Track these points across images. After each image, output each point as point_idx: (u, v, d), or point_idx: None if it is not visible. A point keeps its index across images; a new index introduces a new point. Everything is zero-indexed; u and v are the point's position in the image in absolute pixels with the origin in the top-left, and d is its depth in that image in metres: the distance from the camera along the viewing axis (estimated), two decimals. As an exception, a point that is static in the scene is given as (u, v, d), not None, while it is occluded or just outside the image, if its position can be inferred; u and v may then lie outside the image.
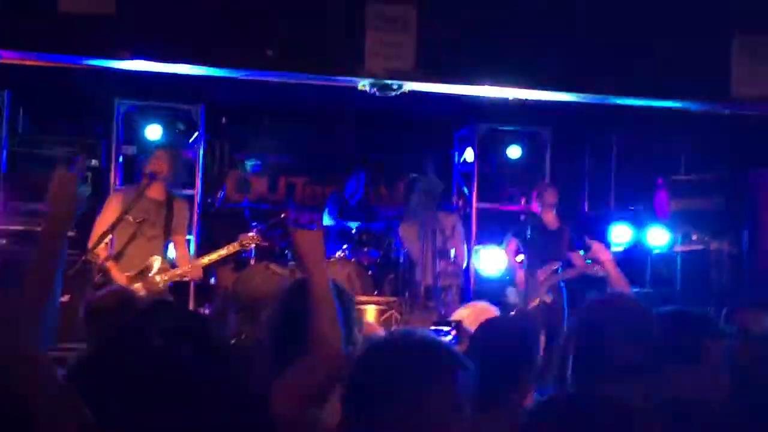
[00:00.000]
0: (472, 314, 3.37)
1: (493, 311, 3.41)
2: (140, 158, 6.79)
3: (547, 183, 6.99)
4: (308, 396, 2.21)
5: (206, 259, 5.33)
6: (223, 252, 5.33)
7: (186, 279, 5.54)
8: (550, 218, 6.60)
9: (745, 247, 6.94)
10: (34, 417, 1.70)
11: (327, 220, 7.65)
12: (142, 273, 5.18)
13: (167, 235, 5.32)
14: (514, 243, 6.72)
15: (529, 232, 6.56)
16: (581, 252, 6.54)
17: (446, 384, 1.72)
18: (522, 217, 7.10)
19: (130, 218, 5.17)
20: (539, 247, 6.49)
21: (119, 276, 5.12)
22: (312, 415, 2.21)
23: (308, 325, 2.26)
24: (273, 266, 3.44)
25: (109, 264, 5.12)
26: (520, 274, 6.48)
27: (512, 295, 6.57)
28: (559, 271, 6.48)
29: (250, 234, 5.45)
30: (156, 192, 5.32)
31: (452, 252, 6.91)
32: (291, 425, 2.08)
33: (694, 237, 6.08)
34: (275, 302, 2.58)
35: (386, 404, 1.68)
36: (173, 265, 5.38)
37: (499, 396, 2.57)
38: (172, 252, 5.49)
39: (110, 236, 5.20)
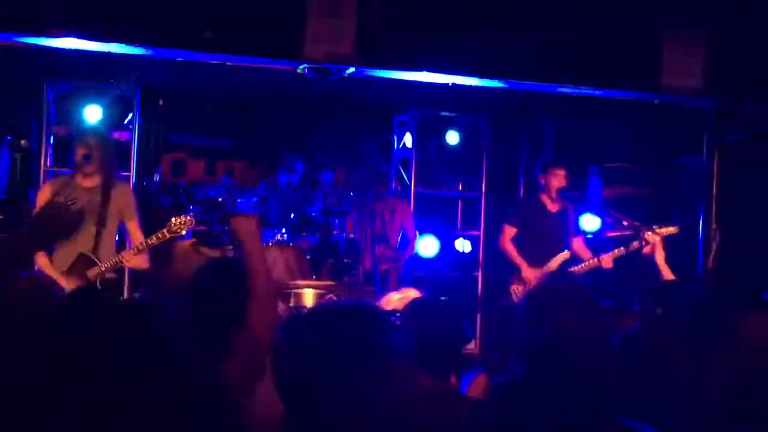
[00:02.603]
0: (402, 301, 3.41)
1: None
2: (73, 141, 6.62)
3: (554, 161, 6.36)
4: (250, 370, 2.25)
5: (135, 249, 5.05)
6: (152, 240, 5.06)
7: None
8: (551, 199, 6.19)
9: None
10: None
11: (263, 206, 7.61)
12: (75, 268, 5.01)
13: (103, 223, 5.09)
14: (510, 231, 6.25)
15: (526, 216, 6.20)
16: (588, 234, 6.22)
17: (375, 336, 1.73)
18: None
19: None
20: (539, 233, 6.13)
21: (43, 261, 4.97)
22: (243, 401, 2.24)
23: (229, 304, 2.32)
24: (202, 248, 3.41)
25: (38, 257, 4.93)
26: (528, 273, 6.02)
27: (518, 294, 6.03)
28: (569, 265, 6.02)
29: (180, 218, 5.13)
30: (88, 180, 5.13)
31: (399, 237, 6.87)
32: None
33: (625, 223, 6.24)
34: (192, 280, 2.62)
35: (317, 364, 1.67)
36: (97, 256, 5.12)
37: (434, 375, 2.62)
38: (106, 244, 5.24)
39: None
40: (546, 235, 6.12)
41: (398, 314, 2.97)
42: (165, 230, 5.06)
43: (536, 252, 6.07)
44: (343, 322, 1.79)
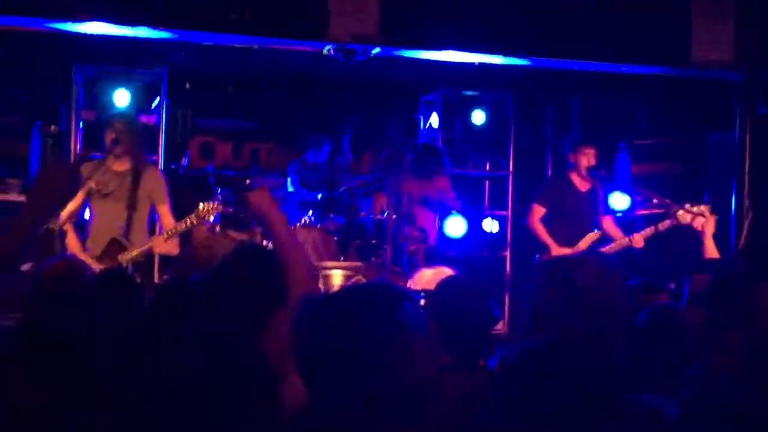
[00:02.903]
0: (435, 278, 3.42)
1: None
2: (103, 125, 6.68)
3: (583, 139, 6.34)
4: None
5: (165, 235, 5.08)
6: (181, 226, 5.08)
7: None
8: (581, 178, 6.11)
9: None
10: None
11: (290, 188, 7.64)
12: (107, 253, 5.05)
13: (134, 207, 5.11)
14: (540, 211, 6.17)
15: (555, 195, 6.13)
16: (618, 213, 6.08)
17: (394, 316, 1.74)
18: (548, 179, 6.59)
19: (94, 192, 5.04)
20: (569, 212, 6.06)
21: (74, 245, 5.03)
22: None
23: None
24: (231, 232, 3.42)
25: (67, 228, 4.99)
26: (557, 252, 5.90)
27: None
28: (600, 245, 5.93)
29: (208, 204, 5.14)
30: (118, 164, 5.15)
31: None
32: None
33: (655, 201, 6.17)
34: (221, 265, 2.60)
35: (334, 344, 1.67)
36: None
37: (462, 355, 2.63)
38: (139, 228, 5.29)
39: (78, 210, 5.08)
40: (576, 214, 6.06)
41: (422, 293, 2.98)
42: (193, 216, 5.09)
43: (566, 231, 6.00)
44: (359, 301, 1.80)
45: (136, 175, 5.16)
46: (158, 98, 7.09)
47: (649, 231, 5.84)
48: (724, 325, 1.97)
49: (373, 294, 1.85)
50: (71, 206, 4.93)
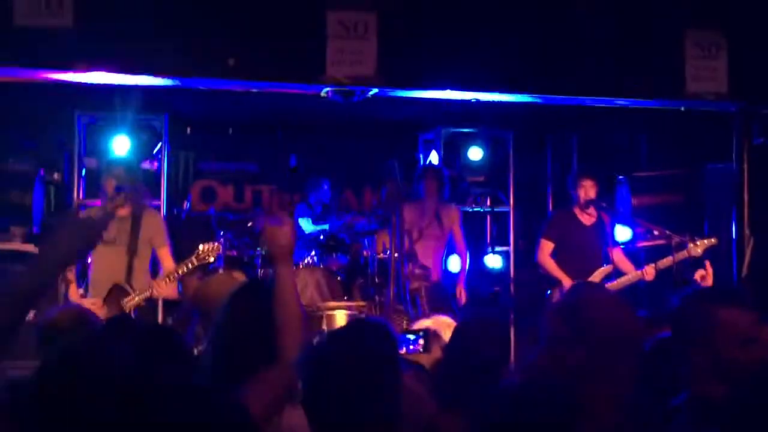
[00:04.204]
0: (434, 326, 3.40)
1: (453, 324, 3.44)
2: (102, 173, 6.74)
3: (582, 173, 6.32)
4: (278, 402, 2.23)
5: (165, 278, 5.12)
6: (181, 269, 5.11)
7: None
8: (584, 212, 6.11)
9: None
10: None
11: (307, 228, 7.65)
12: (110, 298, 5.08)
13: (135, 252, 5.16)
14: (548, 246, 6.12)
15: (562, 230, 6.09)
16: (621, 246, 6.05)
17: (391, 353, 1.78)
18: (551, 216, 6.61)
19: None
20: (577, 247, 6.03)
21: (75, 292, 5.09)
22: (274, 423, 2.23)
23: (263, 326, 2.31)
24: (236, 273, 3.42)
25: (70, 277, 5.04)
26: (568, 283, 5.80)
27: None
28: (611, 279, 5.92)
29: (208, 245, 5.21)
30: (119, 210, 5.18)
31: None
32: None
33: (656, 233, 6.18)
34: (225, 303, 2.59)
35: (341, 387, 1.72)
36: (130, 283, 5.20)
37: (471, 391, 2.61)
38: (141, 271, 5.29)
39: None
40: (584, 248, 6.06)
41: (421, 333, 2.98)
42: (193, 257, 5.13)
43: (577, 266, 5.98)
44: (353, 337, 1.84)
45: (136, 220, 5.20)
46: (160, 144, 7.15)
47: (663, 263, 5.84)
48: (687, 348, 1.95)
49: (365, 328, 1.91)
50: None
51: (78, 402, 1.64)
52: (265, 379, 2.24)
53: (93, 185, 6.98)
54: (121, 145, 6.82)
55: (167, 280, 5.09)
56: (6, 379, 1.93)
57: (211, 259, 5.25)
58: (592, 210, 6.12)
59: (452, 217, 6.86)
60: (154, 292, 5.11)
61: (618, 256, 6.21)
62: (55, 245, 1.98)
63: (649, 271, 5.88)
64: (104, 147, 6.90)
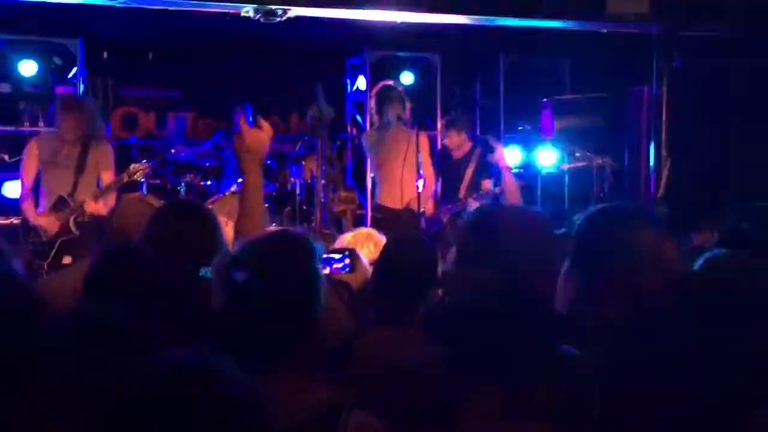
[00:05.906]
0: (355, 240, 3.40)
1: (377, 236, 3.46)
2: (15, 97, 6.54)
3: (445, 122, 6.57)
4: None
5: (97, 192, 5.37)
6: (111, 185, 5.40)
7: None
8: (456, 145, 6.34)
9: (627, 162, 7.23)
10: None
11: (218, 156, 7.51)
12: (54, 209, 5.37)
13: (81, 173, 5.39)
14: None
15: (438, 163, 6.33)
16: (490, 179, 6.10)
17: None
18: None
19: (47, 159, 5.39)
20: (447, 179, 6.30)
21: (31, 209, 5.38)
22: None
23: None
24: (149, 197, 3.33)
25: (26, 205, 5.38)
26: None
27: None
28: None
29: (138, 164, 5.52)
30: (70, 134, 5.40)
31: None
32: None
33: (578, 154, 6.28)
34: (149, 222, 2.55)
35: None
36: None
37: (411, 312, 2.63)
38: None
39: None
40: (452, 182, 6.24)
41: (347, 252, 2.98)
42: (125, 174, 5.45)
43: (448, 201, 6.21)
44: (271, 250, 1.84)
45: (85, 146, 5.43)
46: (75, 68, 6.89)
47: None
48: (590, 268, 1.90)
49: (290, 242, 1.91)
50: (27, 182, 5.41)
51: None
52: None
53: (5, 109, 6.72)
54: (27, 70, 6.62)
55: (99, 192, 5.36)
56: None
57: (141, 178, 5.63)
58: (462, 142, 6.29)
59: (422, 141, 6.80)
60: (86, 207, 5.33)
61: (486, 186, 6.12)
62: None
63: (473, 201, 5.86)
64: (13, 71, 6.64)
